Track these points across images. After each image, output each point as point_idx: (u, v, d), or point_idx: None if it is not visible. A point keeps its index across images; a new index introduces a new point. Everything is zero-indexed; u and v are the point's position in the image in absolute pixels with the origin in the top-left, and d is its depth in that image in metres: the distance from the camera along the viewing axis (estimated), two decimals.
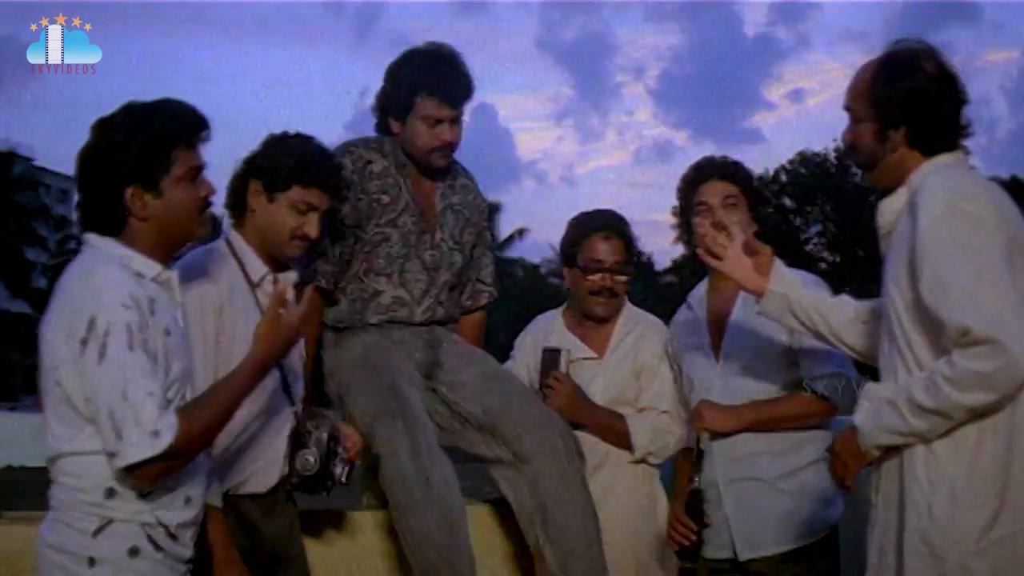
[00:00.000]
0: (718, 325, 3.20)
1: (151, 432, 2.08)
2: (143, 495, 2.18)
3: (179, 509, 2.24)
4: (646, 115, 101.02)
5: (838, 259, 37.45)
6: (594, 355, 3.41)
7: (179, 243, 2.37)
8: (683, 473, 3.26)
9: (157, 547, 2.20)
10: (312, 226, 2.73)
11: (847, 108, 2.47)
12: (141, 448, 2.08)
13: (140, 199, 2.25)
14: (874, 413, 2.30)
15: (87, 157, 2.28)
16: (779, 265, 2.70)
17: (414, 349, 3.19)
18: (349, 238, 3.13)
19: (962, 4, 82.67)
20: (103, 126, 2.28)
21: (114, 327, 2.12)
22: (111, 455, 2.11)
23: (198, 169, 2.33)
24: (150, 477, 2.13)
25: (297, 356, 2.76)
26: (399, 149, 3.22)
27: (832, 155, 37.53)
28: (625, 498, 3.29)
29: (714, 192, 3.18)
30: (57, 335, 2.16)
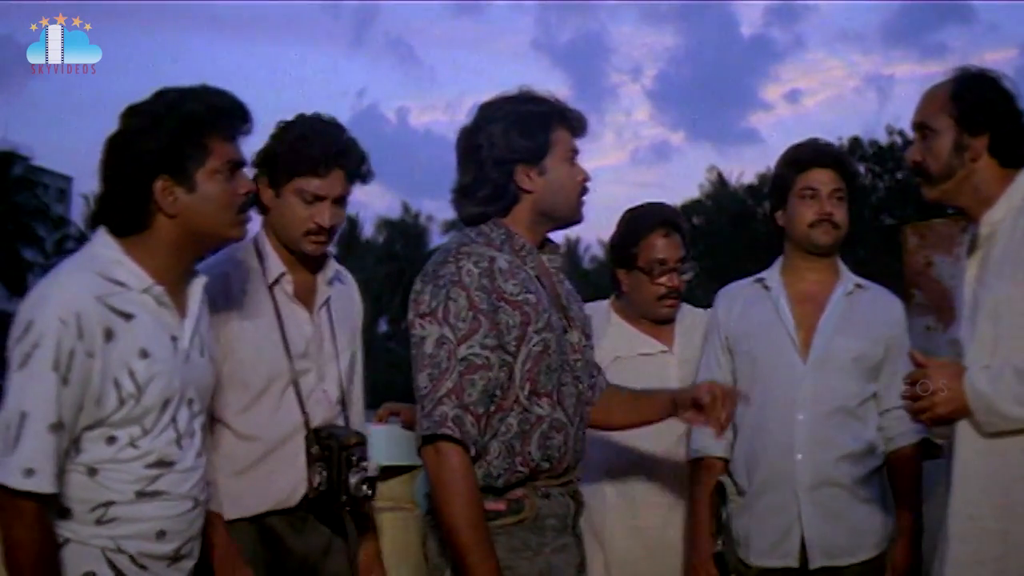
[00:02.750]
0: (806, 317, 3.03)
1: (24, 469, 1.93)
2: (103, 520, 2.02)
3: (148, 540, 2.06)
4: (643, 116, 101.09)
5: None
6: (666, 348, 3.29)
7: (210, 244, 2.20)
8: (703, 507, 3.08)
9: (119, 573, 2.04)
10: (323, 216, 2.51)
11: (919, 124, 2.49)
12: (11, 477, 1.93)
13: (170, 192, 2.05)
14: (994, 378, 2.26)
15: (112, 145, 2.08)
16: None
17: (575, 555, 2.50)
18: (501, 367, 2.36)
19: (957, 5, 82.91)
20: (131, 112, 2.09)
21: (44, 340, 1.95)
22: None
23: (236, 164, 2.13)
24: (13, 508, 1.93)
25: (334, 375, 2.64)
26: (512, 233, 2.47)
27: None
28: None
29: (825, 180, 3.03)
30: (11, 330, 2.02)
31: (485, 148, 2.45)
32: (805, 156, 3.07)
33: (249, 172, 2.44)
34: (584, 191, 2.53)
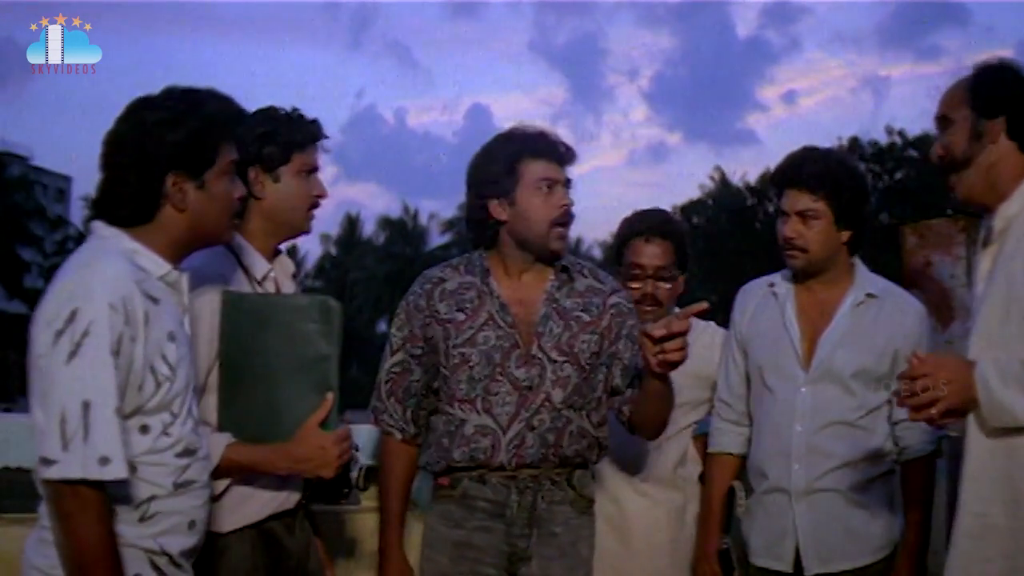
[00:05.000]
0: (812, 326, 3.01)
1: (100, 457, 1.91)
2: (145, 517, 2.03)
3: (184, 534, 2.09)
4: (640, 116, 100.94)
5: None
6: None
7: (204, 243, 2.22)
8: (714, 502, 3.14)
9: (162, 574, 2.05)
10: (322, 186, 2.64)
11: (940, 118, 2.49)
12: (86, 467, 1.90)
13: (181, 188, 2.10)
14: (1003, 372, 2.24)
15: (127, 136, 2.09)
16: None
17: (500, 541, 2.72)
18: (428, 373, 2.80)
19: (952, 6, 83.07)
20: (146, 106, 2.11)
21: (96, 327, 1.93)
22: (44, 462, 1.91)
23: (235, 168, 2.21)
24: (78, 502, 1.91)
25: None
26: (481, 258, 2.81)
27: None
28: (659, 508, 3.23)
29: (791, 203, 2.97)
30: (39, 323, 1.97)
31: (470, 185, 2.81)
32: (780, 176, 3.05)
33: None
34: (561, 220, 2.75)
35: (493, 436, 2.72)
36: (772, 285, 3.11)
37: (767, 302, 3.08)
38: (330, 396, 2.38)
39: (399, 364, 2.82)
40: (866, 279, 3.05)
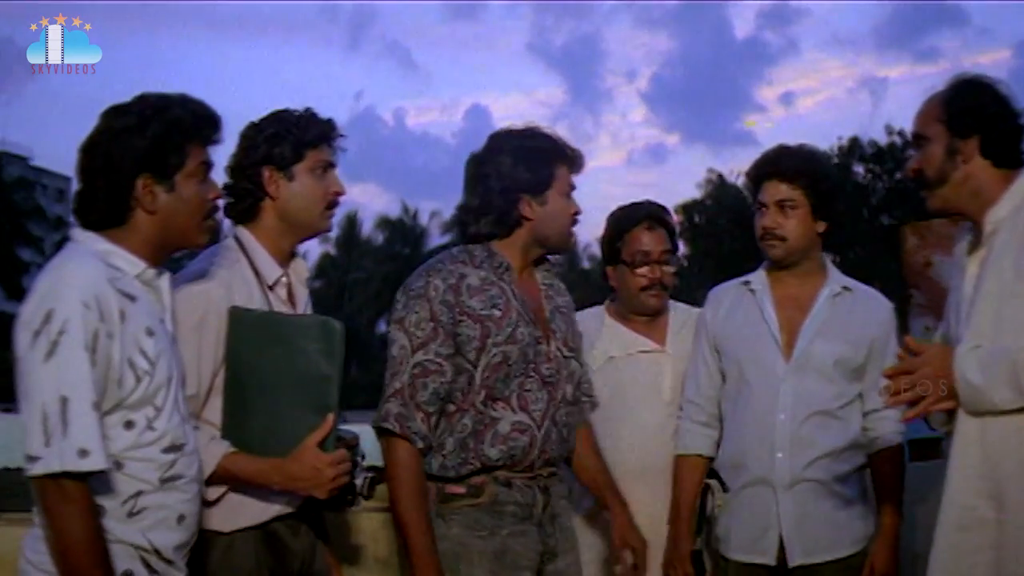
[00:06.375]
0: (789, 318, 3.07)
1: (79, 449, 1.96)
2: (133, 513, 2.09)
3: (172, 529, 2.14)
4: (638, 117, 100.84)
5: (837, 259, 37.52)
6: (658, 347, 3.34)
7: (178, 245, 2.25)
8: (686, 503, 3.17)
9: (152, 571, 2.11)
10: (339, 183, 2.63)
11: (915, 135, 2.53)
12: (65, 460, 1.95)
13: (150, 190, 2.15)
14: (982, 361, 2.28)
15: (96, 142, 2.15)
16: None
17: (535, 542, 2.71)
18: (457, 374, 2.66)
19: (949, 7, 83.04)
20: (115, 112, 2.17)
21: (70, 325, 1.98)
22: (29, 459, 1.97)
23: (208, 168, 2.25)
24: (62, 496, 1.96)
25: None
26: (495, 253, 2.75)
27: (835, 154, 37.56)
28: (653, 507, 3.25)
29: (770, 192, 3.06)
30: (19, 326, 2.03)
31: (493, 177, 2.73)
32: (758, 170, 3.12)
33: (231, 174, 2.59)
34: (575, 222, 2.80)
35: (530, 433, 2.69)
36: (747, 283, 3.18)
37: (742, 299, 3.15)
38: (330, 417, 2.39)
39: (421, 364, 2.63)
40: (837, 274, 3.15)
